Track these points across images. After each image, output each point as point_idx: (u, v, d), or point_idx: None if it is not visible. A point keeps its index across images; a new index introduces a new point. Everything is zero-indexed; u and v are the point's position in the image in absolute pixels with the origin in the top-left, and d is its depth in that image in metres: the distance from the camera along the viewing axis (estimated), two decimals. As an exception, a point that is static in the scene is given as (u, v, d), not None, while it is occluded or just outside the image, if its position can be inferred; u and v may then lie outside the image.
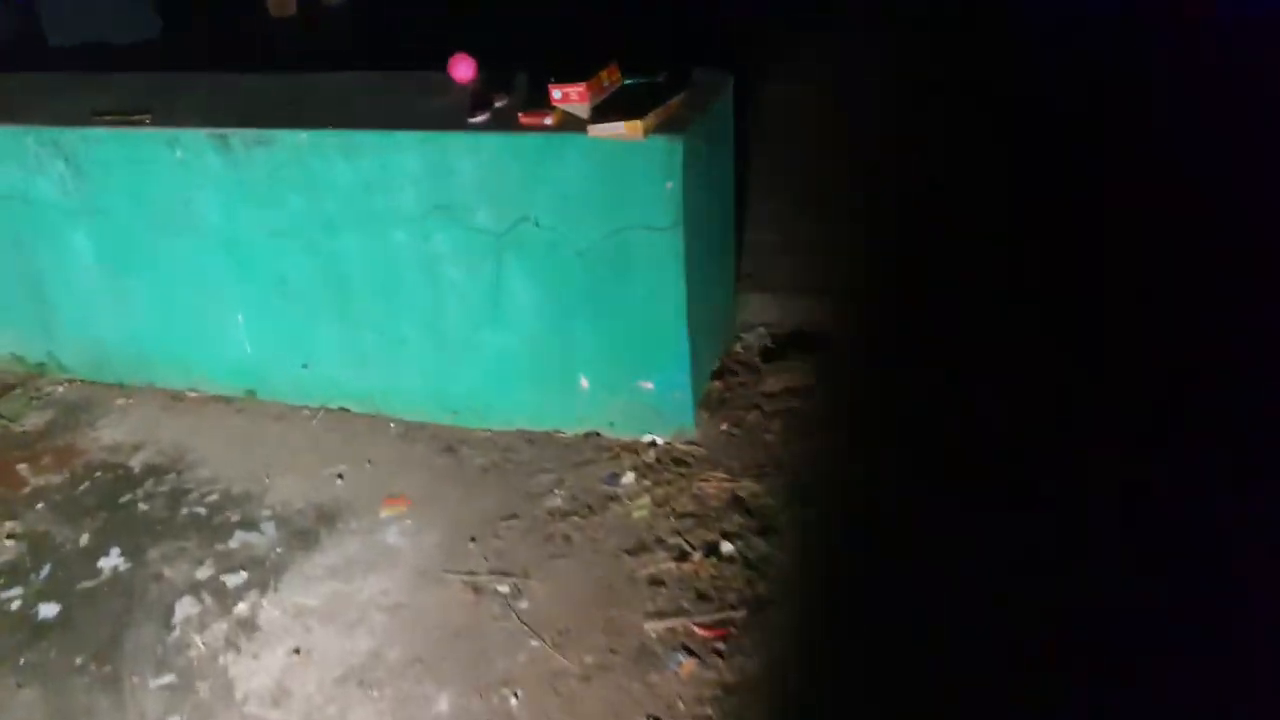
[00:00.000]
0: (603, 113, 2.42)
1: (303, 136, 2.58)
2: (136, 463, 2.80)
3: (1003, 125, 3.64)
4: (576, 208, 2.45)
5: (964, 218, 3.28)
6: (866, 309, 3.03)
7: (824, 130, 3.96)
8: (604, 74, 2.47)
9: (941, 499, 2.30)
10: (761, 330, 3.05)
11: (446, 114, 2.56)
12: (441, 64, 2.79)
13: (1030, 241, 3.14)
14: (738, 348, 3.00)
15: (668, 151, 2.32)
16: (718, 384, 2.82)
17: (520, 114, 2.45)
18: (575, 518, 2.47)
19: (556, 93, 2.42)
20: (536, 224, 2.50)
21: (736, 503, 2.43)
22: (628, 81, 2.55)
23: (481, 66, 2.74)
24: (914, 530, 2.23)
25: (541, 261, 2.54)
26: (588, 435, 2.74)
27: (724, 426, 2.68)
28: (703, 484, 2.51)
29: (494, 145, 2.44)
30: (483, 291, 2.63)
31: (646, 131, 2.31)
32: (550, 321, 2.62)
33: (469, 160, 2.47)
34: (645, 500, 2.50)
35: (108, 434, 2.94)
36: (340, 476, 2.70)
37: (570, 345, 2.63)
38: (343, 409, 2.95)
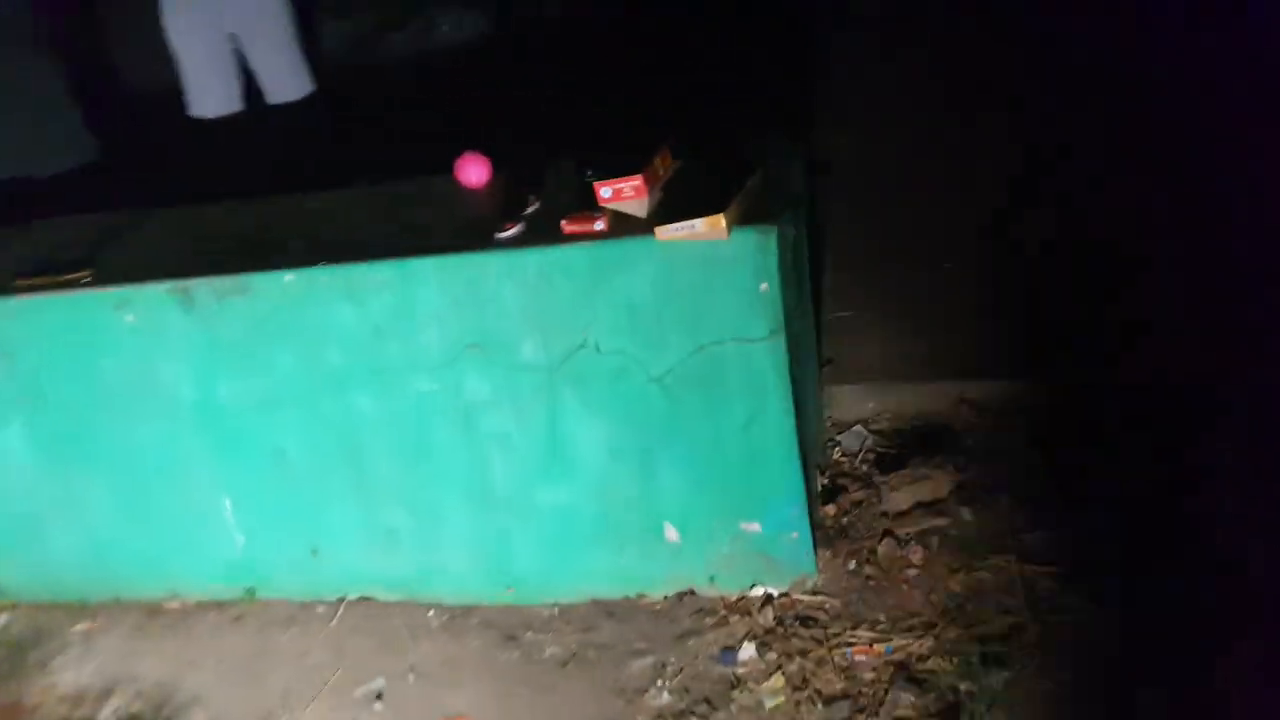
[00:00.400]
0: (666, 208, 2.04)
1: (288, 279, 2.16)
2: (108, 716, 2.28)
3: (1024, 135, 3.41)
4: (648, 326, 2.05)
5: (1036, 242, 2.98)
6: (983, 385, 2.64)
7: (851, 156, 3.63)
8: (658, 161, 2.09)
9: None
10: (859, 430, 2.64)
11: (467, 229, 2.16)
12: (443, 166, 2.38)
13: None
14: (837, 455, 2.58)
15: (760, 248, 1.94)
16: (830, 508, 2.40)
17: (563, 220, 2.05)
18: (694, 718, 2.01)
19: (605, 190, 2.03)
20: (598, 350, 2.09)
21: (899, 672, 1.99)
22: (681, 164, 2.17)
23: (496, 165, 2.33)
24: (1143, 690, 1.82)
25: (607, 394, 2.13)
26: (681, 596, 2.30)
27: (852, 565, 2.25)
28: (848, 649, 2.07)
29: (537, 263, 2.04)
30: (535, 440, 2.20)
31: (730, 227, 1.93)
32: (624, 465, 2.19)
33: (507, 284, 2.07)
34: (778, 681, 2.05)
35: (67, 677, 2.41)
36: (379, 697, 2.21)
37: (651, 490, 2.21)
38: (366, 599, 2.48)
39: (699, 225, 1.92)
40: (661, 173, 2.10)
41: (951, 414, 2.63)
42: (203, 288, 2.20)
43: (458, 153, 2.35)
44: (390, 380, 2.20)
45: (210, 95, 3.15)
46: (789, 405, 2.06)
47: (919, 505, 2.33)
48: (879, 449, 2.55)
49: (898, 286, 3.01)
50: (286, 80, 3.20)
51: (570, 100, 3.70)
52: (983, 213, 3.19)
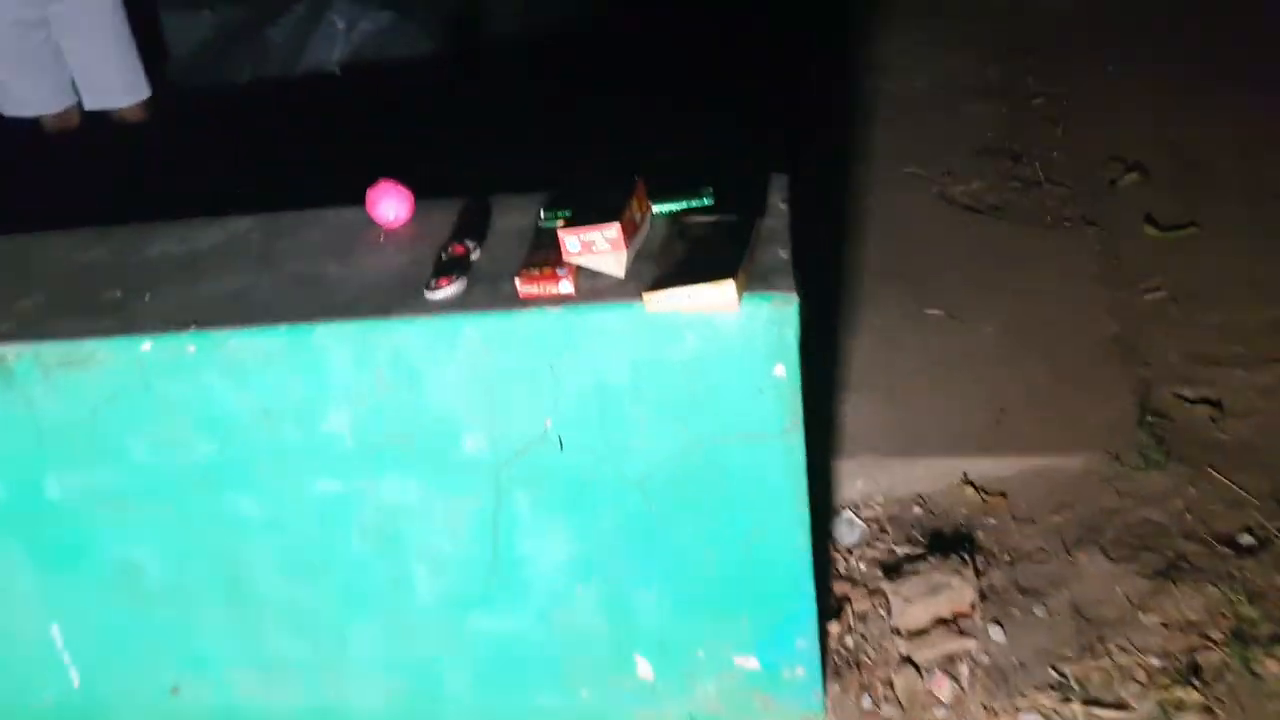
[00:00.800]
0: (648, 265, 1.65)
1: (144, 347, 1.67)
2: None
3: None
4: (625, 415, 1.65)
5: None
6: (987, 462, 2.35)
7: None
8: (635, 203, 1.69)
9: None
10: (850, 517, 2.31)
11: (389, 283, 1.71)
12: (348, 198, 1.91)
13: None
14: (830, 551, 2.24)
15: (777, 321, 1.57)
16: (833, 626, 2.05)
17: (518, 278, 1.63)
18: None
19: (572, 241, 1.62)
20: (560, 446, 1.68)
21: None
22: (660, 209, 1.77)
23: (421, 199, 1.89)
24: None
25: (571, 501, 1.72)
26: (654, 742, 1.91)
27: (866, 703, 1.91)
28: (872, 819, 1.72)
29: (482, 333, 1.62)
30: (474, 554, 1.78)
31: (741, 295, 1.55)
32: (587, 586, 1.80)
33: (444, 360, 1.64)
34: None
35: None
36: None
37: (621, 616, 1.82)
38: (244, 747, 2.00)
39: (702, 293, 1.54)
40: (639, 219, 1.71)
41: (955, 498, 2.33)
42: (25, 356, 1.69)
43: (368, 180, 1.88)
44: (283, 476, 1.74)
45: (27, 91, 2.59)
46: (804, 515, 1.69)
47: (939, 622, 1.99)
48: (885, 546, 2.21)
49: (883, 340, 2.70)
50: (112, 78, 2.66)
51: (513, 115, 3.26)
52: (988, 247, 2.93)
